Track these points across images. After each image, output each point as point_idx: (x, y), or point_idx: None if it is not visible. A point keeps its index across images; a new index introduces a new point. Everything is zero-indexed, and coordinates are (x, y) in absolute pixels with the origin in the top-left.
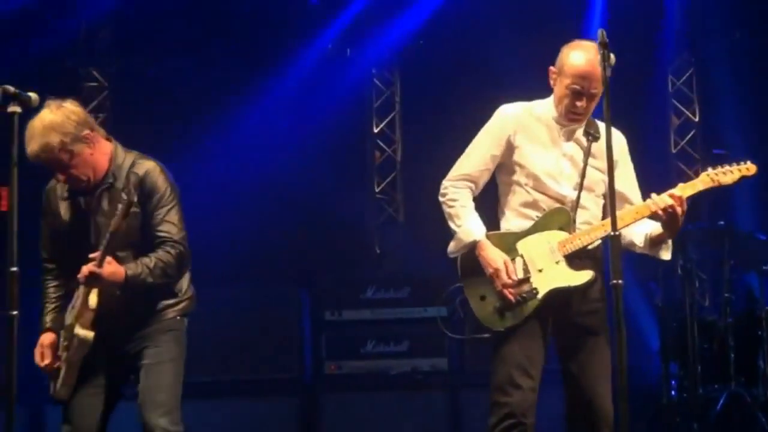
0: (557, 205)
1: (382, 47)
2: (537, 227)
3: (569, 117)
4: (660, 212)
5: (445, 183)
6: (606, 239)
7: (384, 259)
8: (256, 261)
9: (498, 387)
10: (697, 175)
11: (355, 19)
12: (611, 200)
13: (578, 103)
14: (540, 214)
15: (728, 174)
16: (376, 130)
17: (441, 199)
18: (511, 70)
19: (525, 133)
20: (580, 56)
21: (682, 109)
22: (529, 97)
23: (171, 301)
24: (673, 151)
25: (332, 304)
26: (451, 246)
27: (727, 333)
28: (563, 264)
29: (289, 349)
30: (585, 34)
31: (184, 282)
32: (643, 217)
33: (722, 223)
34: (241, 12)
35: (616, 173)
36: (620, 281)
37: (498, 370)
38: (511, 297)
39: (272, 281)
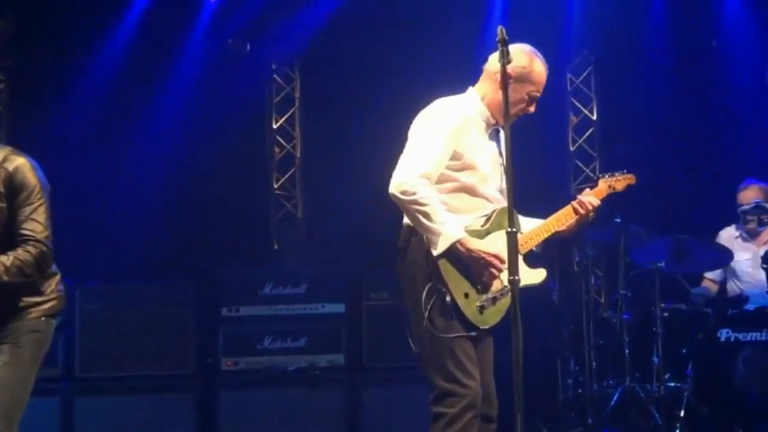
0: (493, 204)
1: (282, 43)
2: (494, 226)
3: (509, 120)
4: (591, 213)
5: (408, 181)
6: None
7: (282, 255)
8: (152, 256)
9: (453, 378)
10: (594, 173)
11: (255, 15)
12: (509, 197)
13: (531, 109)
14: (481, 214)
15: (619, 182)
16: (275, 126)
17: (407, 197)
18: (411, 68)
19: (470, 132)
20: (543, 66)
21: (580, 107)
22: (429, 94)
23: (36, 300)
24: (572, 149)
25: (229, 299)
26: (440, 246)
27: (622, 330)
28: (522, 263)
29: (185, 345)
30: (485, 32)
31: (52, 281)
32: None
33: (618, 220)
34: (141, 5)
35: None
36: (518, 277)
37: (449, 362)
38: (499, 290)
39: (169, 276)
